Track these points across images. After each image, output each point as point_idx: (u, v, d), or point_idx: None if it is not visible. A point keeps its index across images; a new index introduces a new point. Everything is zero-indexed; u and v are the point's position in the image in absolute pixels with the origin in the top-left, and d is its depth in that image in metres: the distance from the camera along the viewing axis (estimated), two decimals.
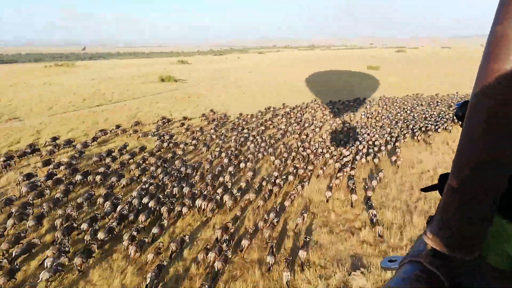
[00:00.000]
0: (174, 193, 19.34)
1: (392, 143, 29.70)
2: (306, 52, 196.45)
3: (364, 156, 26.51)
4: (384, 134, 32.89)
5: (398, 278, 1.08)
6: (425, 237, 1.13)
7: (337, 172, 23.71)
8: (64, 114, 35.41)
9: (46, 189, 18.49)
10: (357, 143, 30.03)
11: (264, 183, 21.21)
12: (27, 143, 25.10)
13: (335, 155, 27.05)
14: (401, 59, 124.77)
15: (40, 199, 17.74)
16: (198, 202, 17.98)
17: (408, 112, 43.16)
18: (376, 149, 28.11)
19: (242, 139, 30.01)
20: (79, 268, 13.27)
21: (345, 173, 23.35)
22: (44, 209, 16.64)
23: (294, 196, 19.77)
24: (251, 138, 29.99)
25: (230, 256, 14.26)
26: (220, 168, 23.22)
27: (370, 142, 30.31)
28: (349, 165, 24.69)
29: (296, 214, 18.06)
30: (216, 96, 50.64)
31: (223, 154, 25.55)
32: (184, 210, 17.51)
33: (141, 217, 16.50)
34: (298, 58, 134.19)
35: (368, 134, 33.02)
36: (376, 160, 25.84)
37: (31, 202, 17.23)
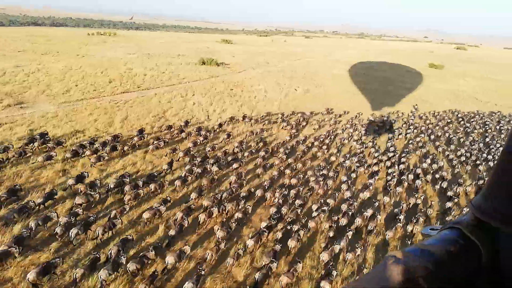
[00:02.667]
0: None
1: None
2: (357, 41, 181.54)
3: None
4: None
5: (432, 238, 1.06)
6: (471, 206, 1.08)
7: None
8: (80, 102, 28.89)
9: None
10: None
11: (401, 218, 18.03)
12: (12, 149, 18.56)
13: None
14: (468, 59, 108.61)
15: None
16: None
17: None
18: None
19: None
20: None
21: None
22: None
23: None
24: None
25: None
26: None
27: None
28: None
29: None
30: (263, 92, 42.62)
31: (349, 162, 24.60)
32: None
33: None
34: (352, 46, 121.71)
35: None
36: None
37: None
